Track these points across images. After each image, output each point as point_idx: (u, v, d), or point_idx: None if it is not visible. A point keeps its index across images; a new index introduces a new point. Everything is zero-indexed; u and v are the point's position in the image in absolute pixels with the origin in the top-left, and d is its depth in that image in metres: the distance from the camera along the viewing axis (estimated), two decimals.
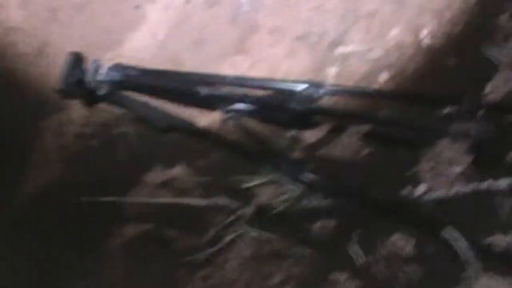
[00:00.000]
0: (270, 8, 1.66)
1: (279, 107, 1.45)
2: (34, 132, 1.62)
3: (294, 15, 1.64)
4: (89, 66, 1.54)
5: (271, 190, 1.46)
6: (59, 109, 1.62)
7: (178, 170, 1.54)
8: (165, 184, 1.53)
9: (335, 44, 1.59)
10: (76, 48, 1.54)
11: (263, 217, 1.44)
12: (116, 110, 1.58)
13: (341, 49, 1.58)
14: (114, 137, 1.59)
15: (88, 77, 1.53)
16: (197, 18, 1.68)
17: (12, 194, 1.58)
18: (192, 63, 1.58)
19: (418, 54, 1.55)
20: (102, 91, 1.52)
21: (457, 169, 1.41)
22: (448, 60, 1.53)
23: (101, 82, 1.53)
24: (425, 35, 1.56)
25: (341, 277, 1.38)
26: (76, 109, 1.60)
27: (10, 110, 1.66)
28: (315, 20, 1.61)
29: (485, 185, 1.36)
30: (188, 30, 1.67)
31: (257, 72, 1.58)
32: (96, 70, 1.53)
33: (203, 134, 1.52)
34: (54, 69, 1.60)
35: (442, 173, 1.43)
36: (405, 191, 1.41)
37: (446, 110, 1.41)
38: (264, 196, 1.46)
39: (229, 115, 1.49)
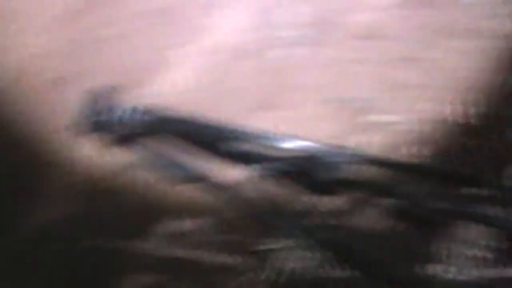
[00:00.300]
0: (298, 66, 1.64)
1: (301, 171, 1.42)
2: (41, 168, 1.55)
3: (322, 76, 1.61)
4: (107, 105, 1.51)
5: (286, 255, 1.40)
6: (70, 147, 1.56)
7: (188, 224, 1.47)
8: (174, 238, 1.46)
9: (362, 111, 1.56)
10: (95, 85, 1.51)
11: (275, 282, 1.38)
12: (130, 154, 1.52)
13: (367, 117, 1.56)
14: (124, 182, 1.53)
15: (105, 117, 1.50)
16: (223, 69, 1.64)
17: (9, 231, 1.49)
18: (215, 114, 1.54)
19: (444, 130, 1.54)
20: (118, 133, 1.49)
21: (479, 253, 1.39)
22: (474, 139, 1.52)
23: (118, 123, 1.50)
24: (452, 111, 1.55)
25: None
26: (88, 149, 1.54)
27: (21, 140, 1.60)
28: (343, 84, 1.60)
29: (509, 272, 1.33)
30: (214, 80, 1.63)
31: (279, 131, 1.54)
32: (115, 110, 1.50)
33: (219, 189, 1.47)
34: (69, 104, 1.55)
35: (462, 255, 1.40)
36: (422, 269, 1.38)
37: (470, 191, 1.39)
38: (278, 260, 1.40)
39: (249, 173, 1.46)
